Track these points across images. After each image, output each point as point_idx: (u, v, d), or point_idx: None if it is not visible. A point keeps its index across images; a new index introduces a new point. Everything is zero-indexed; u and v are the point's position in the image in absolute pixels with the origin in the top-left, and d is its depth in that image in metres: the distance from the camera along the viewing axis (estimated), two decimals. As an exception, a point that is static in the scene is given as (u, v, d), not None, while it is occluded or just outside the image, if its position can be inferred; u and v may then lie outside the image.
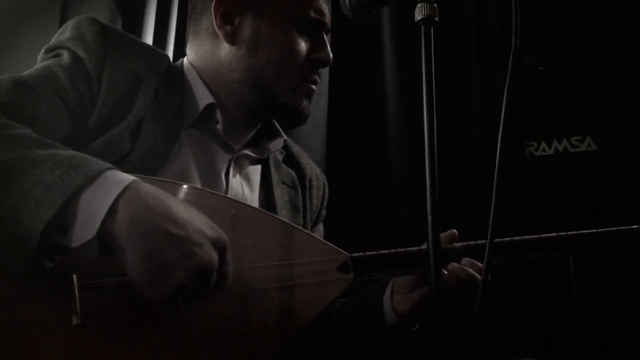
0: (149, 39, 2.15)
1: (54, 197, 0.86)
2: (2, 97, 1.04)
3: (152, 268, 0.87)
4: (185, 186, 1.07)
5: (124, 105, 1.15)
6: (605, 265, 2.01)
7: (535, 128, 2.12)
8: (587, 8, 2.26)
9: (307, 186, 1.44)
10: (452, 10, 2.23)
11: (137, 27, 2.15)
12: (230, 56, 1.26)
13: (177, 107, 1.23)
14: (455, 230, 1.25)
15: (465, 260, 1.21)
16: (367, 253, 1.17)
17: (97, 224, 0.87)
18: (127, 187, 0.89)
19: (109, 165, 0.92)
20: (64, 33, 1.19)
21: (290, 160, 1.44)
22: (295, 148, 1.47)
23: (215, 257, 0.91)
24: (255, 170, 1.35)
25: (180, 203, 0.93)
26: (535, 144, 2.10)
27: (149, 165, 1.13)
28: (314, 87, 1.30)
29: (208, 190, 1.12)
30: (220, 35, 1.25)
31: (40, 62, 1.19)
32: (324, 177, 1.52)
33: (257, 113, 1.29)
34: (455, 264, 1.20)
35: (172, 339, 0.99)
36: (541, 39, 2.23)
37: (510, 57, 0.93)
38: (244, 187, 1.30)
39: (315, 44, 1.27)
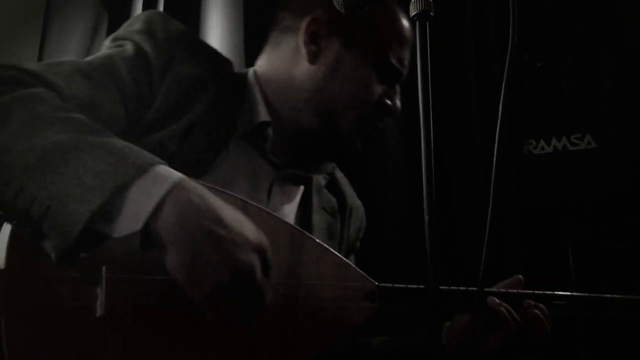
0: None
1: (104, 186, 0.85)
2: (61, 81, 1.03)
3: (193, 267, 0.86)
4: (229, 194, 1.05)
5: (179, 107, 1.15)
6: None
7: (534, 126, 2.11)
8: (586, 5, 2.25)
9: (347, 215, 1.42)
10: (449, 5, 2.21)
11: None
12: (305, 75, 1.26)
13: (232, 117, 1.22)
14: (520, 276, 1.27)
15: (527, 302, 1.23)
16: (395, 285, 1.16)
17: (144, 218, 0.85)
18: (176, 184, 0.88)
19: (160, 160, 0.91)
20: (134, 24, 1.18)
21: (334, 187, 1.43)
22: (340, 175, 1.46)
23: (254, 261, 0.89)
24: (297, 191, 1.34)
25: (225, 204, 0.92)
26: (534, 142, 2.09)
27: (191, 171, 1.11)
28: (374, 131, 1.31)
29: (247, 200, 1.09)
30: (304, 52, 1.26)
31: (105, 49, 1.18)
32: (363, 209, 1.51)
33: (310, 138, 1.28)
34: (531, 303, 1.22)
35: (193, 342, 0.98)
36: (539, 36, 2.22)
37: (508, 54, 0.91)
38: (285, 205, 1.29)
39: (388, 93, 1.29)
